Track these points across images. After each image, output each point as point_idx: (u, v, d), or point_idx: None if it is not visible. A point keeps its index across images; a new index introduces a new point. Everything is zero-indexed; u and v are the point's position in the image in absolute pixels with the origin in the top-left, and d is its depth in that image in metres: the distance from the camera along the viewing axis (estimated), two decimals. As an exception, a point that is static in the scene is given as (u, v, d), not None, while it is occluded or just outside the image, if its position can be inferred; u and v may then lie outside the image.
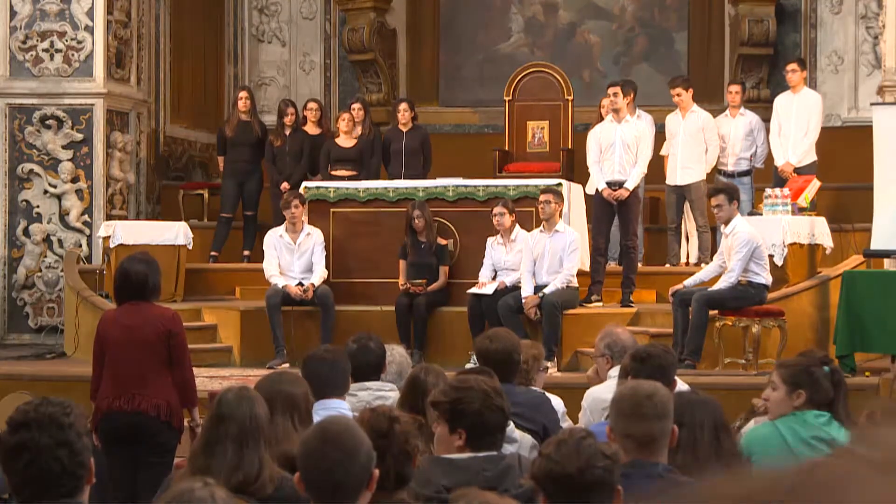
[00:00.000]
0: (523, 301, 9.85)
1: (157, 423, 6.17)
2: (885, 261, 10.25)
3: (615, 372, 5.66)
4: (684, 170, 11.65)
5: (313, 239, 10.66)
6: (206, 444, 3.93)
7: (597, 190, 10.66)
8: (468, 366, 8.58)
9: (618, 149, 10.51)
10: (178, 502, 2.69)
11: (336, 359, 5.10)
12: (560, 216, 10.14)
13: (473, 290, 10.10)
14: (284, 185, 12.26)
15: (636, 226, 10.72)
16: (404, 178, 11.77)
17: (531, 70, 12.67)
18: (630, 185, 10.45)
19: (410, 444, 3.77)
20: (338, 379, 5.07)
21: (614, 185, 10.48)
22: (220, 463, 3.87)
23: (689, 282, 9.55)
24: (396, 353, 6.00)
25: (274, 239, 10.71)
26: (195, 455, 3.97)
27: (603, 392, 5.66)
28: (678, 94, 11.69)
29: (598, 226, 10.63)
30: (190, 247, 11.78)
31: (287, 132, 12.48)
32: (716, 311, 9.36)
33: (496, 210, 10.22)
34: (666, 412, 3.75)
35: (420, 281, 10.42)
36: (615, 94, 10.57)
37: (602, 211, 10.59)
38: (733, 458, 4.12)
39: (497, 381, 4.15)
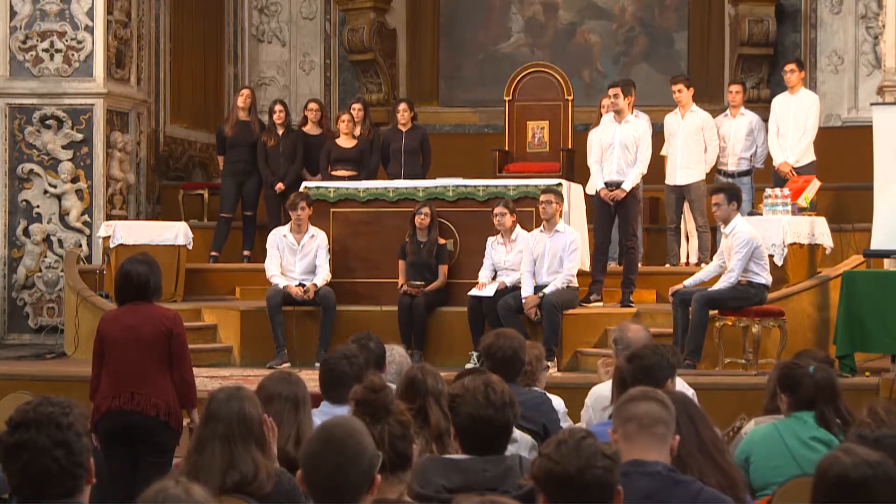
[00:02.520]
0: (523, 301, 9.85)
1: (155, 423, 6.17)
2: (885, 261, 10.25)
3: (620, 369, 5.66)
4: (684, 170, 11.65)
5: (317, 241, 10.66)
6: (198, 444, 3.95)
7: (596, 190, 10.65)
8: (468, 366, 8.61)
9: (616, 149, 10.50)
10: (153, 502, 2.69)
11: (354, 365, 5.10)
12: (560, 216, 10.14)
13: (473, 291, 10.09)
14: (279, 186, 12.26)
15: (636, 226, 10.71)
16: (403, 178, 11.77)
17: (531, 70, 12.67)
18: (627, 186, 10.43)
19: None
20: (351, 382, 5.07)
21: (612, 185, 10.47)
22: (209, 461, 3.88)
23: (689, 282, 9.55)
24: (396, 353, 6.01)
25: (277, 238, 10.71)
26: (188, 455, 3.99)
27: (606, 390, 5.67)
28: (679, 90, 11.68)
29: (598, 225, 10.63)
30: (190, 247, 11.78)
31: (280, 132, 12.47)
32: (716, 311, 9.36)
33: (497, 210, 10.22)
34: (668, 402, 3.76)
35: (418, 283, 10.42)
36: (615, 96, 10.55)
37: (602, 211, 10.58)
38: (715, 447, 4.11)
39: (507, 385, 4.14)
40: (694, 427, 4.07)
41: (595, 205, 10.71)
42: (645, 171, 10.81)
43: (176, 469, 4.66)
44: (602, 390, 5.76)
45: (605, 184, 10.48)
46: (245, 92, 12.79)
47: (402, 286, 10.45)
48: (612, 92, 10.62)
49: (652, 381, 4.79)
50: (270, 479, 3.92)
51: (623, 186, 10.42)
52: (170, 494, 2.69)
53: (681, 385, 5.53)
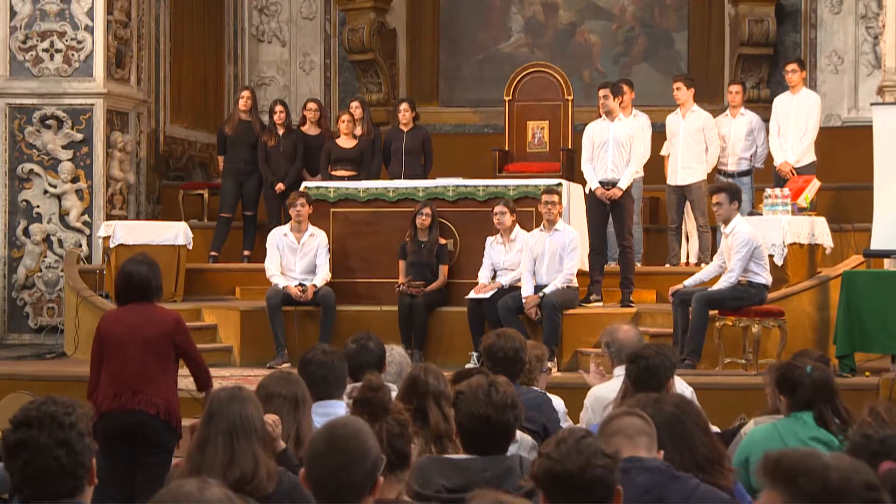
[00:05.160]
0: (524, 301, 9.85)
1: (155, 422, 6.19)
2: (885, 261, 10.25)
3: (620, 371, 5.66)
4: (685, 170, 11.65)
5: (317, 241, 10.66)
6: (199, 442, 3.95)
7: (590, 189, 10.63)
8: (468, 366, 8.61)
9: (610, 147, 10.50)
10: (172, 501, 2.68)
11: (332, 360, 5.10)
12: (560, 216, 10.15)
13: (472, 295, 10.09)
14: (279, 187, 12.26)
15: (631, 225, 10.70)
16: (404, 178, 11.78)
17: (531, 70, 12.67)
18: (623, 185, 10.42)
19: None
20: (336, 380, 5.08)
21: (607, 184, 10.46)
22: (211, 458, 3.89)
23: (689, 282, 9.55)
24: (396, 353, 6.00)
25: (277, 238, 10.72)
26: (190, 453, 3.99)
27: (605, 391, 5.66)
28: (678, 88, 11.71)
29: (592, 224, 10.61)
30: (190, 247, 11.78)
31: (280, 132, 12.48)
32: (716, 311, 9.36)
33: (497, 209, 10.22)
34: (648, 419, 3.82)
35: (418, 283, 10.42)
36: (605, 97, 10.57)
37: (595, 210, 10.57)
38: (708, 462, 4.07)
39: (512, 387, 4.15)
40: (686, 445, 4.05)
41: (589, 204, 10.70)
42: (639, 171, 10.78)
43: (175, 469, 4.67)
44: (601, 391, 5.76)
45: (600, 182, 10.48)
46: (245, 93, 12.81)
47: (400, 285, 10.42)
48: (601, 93, 10.65)
49: (656, 381, 4.80)
50: (272, 479, 3.92)
51: (619, 185, 10.41)
52: (186, 493, 2.68)
53: (679, 384, 5.53)
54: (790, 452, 2.61)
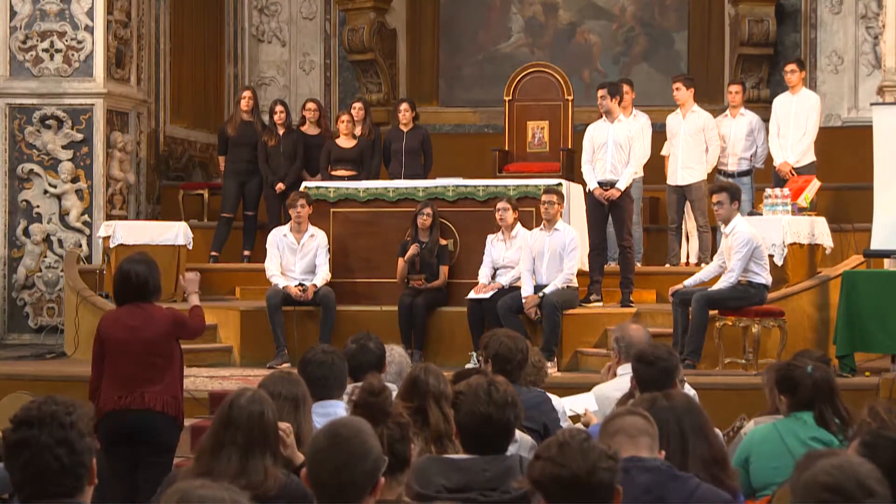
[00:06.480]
0: (523, 301, 9.85)
1: (163, 419, 6.20)
2: (885, 261, 10.25)
3: (623, 369, 5.66)
4: (685, 170, 11.65)
5: (317, 241, 10.66)
6: (214, 447, 3.93)
7: (589, 189, 10.62)
8: (468, 366, 8.60)
9: (610, 148, 10.49)
10: (180, 501, 2.68)
11: (332, 360, 5.10)
12: (560, 216, 10.15)
13: (471, 295, 10.09)
14: (279, 186, 12.27)
15: (631, 225, 10.69)
16: (404, 178, 11.78)
17: (531, 70, 12.67)
18: (621, 185, 10.41)
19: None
20: (336, 380, 5.08)
21: (606, 184, 10.46)
22: (222, 466, 3.87)
23: (689, 282, 9.55)
24: (396, 353, 6.00)
25: (277, 238, 10.72)
26: (201, 454, 3.97)
27: (610, 389, 5.66)
28: (677, 89, 11.71)
29: (592, 225, 10.61)
30: (190, 247, 11.78)
31: (280, 132, 12.48)
32: (716, 311, 9.36)
33: (500, 205, 10.22)
34: (650, 418, 3.82)
35: (420, 275, 10.45)
36: (602, 97, 10.57)
37: (595, 211, 10.57)
38: (713, 462, 4.06)
39: (511, 386, 4.15)
40: (704, 434, 4.05)
41: (588, 205, 10.70)
42: (639, 171, 10.76)
43: (178, 469, 4.66)
44: (605, 390, 5.76)
45: (599, 183, 10.48)
46: (247, 94, 12.81)
47: (404, 267, 10.43)
48: (599, 93, 10.65)
49: (669, 381, 4.81)
50: (276, 484, 3.91)
51: (618, 186, 10.41)
52: (194, 495, 2.68)
53: (685, 387, 5.52)
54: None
